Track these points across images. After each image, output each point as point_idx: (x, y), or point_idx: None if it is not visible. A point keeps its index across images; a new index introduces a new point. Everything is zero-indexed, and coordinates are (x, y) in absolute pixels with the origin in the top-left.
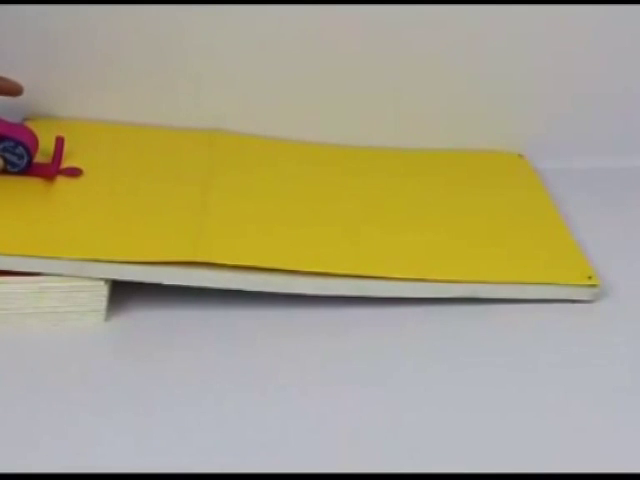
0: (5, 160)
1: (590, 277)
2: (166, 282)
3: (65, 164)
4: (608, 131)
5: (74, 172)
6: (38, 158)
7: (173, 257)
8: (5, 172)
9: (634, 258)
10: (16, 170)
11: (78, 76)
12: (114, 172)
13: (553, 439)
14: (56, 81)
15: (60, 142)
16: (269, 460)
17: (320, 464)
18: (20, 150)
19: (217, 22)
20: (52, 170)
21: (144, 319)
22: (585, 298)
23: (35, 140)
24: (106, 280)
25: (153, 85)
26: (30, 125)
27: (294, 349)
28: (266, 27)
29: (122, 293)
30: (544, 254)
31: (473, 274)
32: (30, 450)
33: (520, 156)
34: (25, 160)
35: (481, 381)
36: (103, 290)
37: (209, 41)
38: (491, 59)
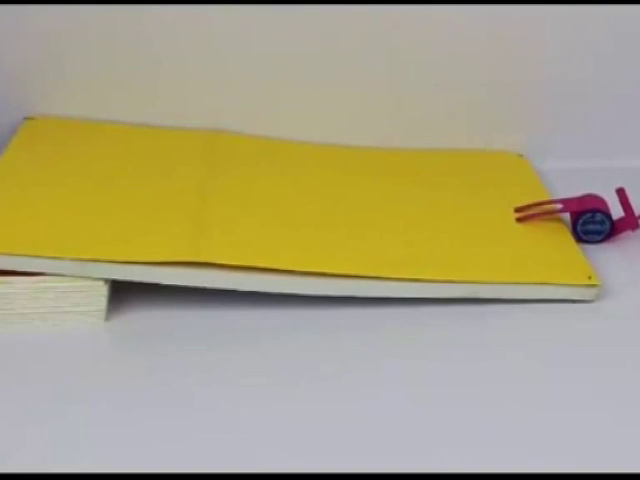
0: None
1: (590, 277)
2: (166, 282)
3: (65, 164)
4: (608, 131)
5: None
6: None
7: (173, 257)
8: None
9: (634, 258)
10: (601, 237)
11: (78, 76)
12: (114, 172)
13: (553, 439)
14: (56, 81)
15: (623, 193)
16: (268, 459)
17: (319, 464)
18: (599, 217)
19: (217, 22)
20: (632, 223)
21: (144, 319)
22: (585, 298)
23: (604, 202)
24: (106, 280)
25: (153, 85)
26: (30, 125)
27: (293, 349)
28: (266, 27)
29: (122, 293)
30: (544, 254)
31: (473, 274)
32: (29, 450)
33: (520, 156)
34: (607, 225)
35: (481, 381)
36: (103, 290)
37: (210, 41)
38: (492, 59)
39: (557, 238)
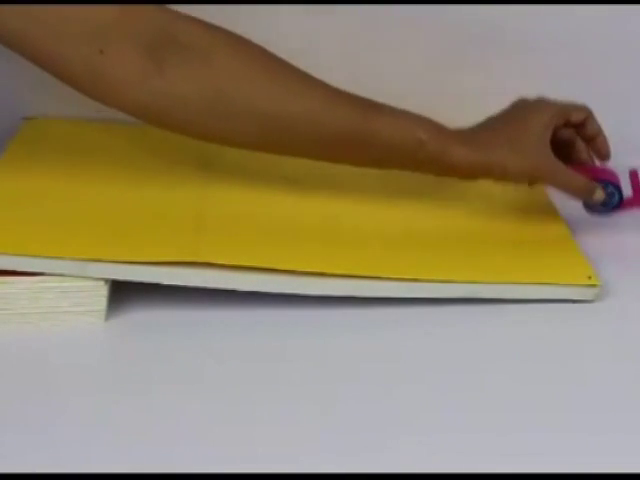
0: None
1: (590, 277)
2: (166, 282)
3: (64, 164)
4: (608, 131)
5: None
6: None
7: (173, 257)
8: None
9: (634, 258)
10: (610, 208)
11: None
12: (114, 172)
13: (552, 439)
14: (56, 81)
15: (635, 175)
16: (270, 459)
17: (319, 464)
18: (610, 189)
19: (216, 22)
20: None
21: (144, 319)
22: (585, 298)
23: (617, 176)
24: (106, 280)
25: None
26: (30, 125)
27: (294, 349)
28: (265, 27)
29: (122, 293)
30: (544, 254)
31: (473, 274)
32: (29, 450)
33: None
34: (616, 198)
35: (481, 381)
36: (103, 290)
37: None
38: (492, 58)
39: (557, 238)
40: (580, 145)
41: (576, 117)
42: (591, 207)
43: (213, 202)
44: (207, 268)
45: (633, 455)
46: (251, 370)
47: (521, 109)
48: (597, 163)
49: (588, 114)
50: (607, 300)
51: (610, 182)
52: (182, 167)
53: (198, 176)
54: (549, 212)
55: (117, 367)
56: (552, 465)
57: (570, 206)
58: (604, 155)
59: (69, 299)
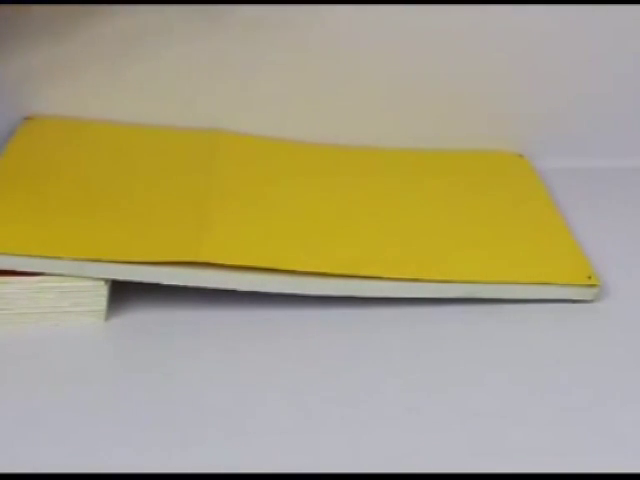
0: None
1: (590, 277)
2: (166, 282)
3: (65, 164)
4: (608, 131)
5: None
6: None
7: (173, 257)
8: None
9: (634, 258)
10: None
11: (78, 76)
12: (114, 172)
13: (552, 439)
14: (56, 81)
15: None
16: (271, 460)
17: (319, 463)
18: None
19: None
20: None
21: (144, 319)
22: (585, 298)
23: None
24: (106, 280)
25: (153, 85)
26: (30, 125)
27: (294, 349)
28: (265, 26)
29: (122, 293)
30: (544, 254)
31: (472, 274)
32: (29, 450)
33: (520, 156)
34: None
35: (480, 382)
36: (103, 290)
37: (209, 41)
38: (491, 58)
39: (557, 238)
40: None
41: None
42: None
43: (213, 202)
44: (207, 268)
45: (633, 455)
46: (251, 370)
47: None
48: None
49: None
50: (607, 300)
51: None
52: (182, 168)
53: (198, 177)
54: (549, 211)
55: (117, 367)
56: (550, 466)
57: (570, 206)
58: None
59: (69, 299)
